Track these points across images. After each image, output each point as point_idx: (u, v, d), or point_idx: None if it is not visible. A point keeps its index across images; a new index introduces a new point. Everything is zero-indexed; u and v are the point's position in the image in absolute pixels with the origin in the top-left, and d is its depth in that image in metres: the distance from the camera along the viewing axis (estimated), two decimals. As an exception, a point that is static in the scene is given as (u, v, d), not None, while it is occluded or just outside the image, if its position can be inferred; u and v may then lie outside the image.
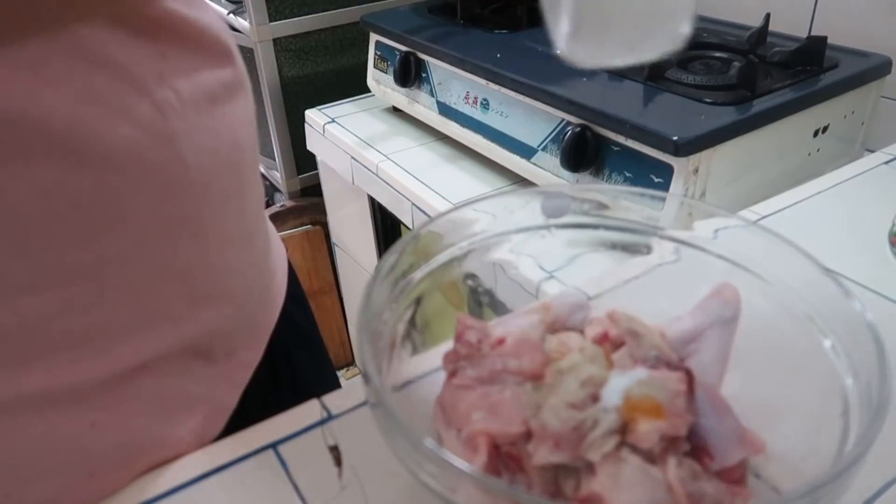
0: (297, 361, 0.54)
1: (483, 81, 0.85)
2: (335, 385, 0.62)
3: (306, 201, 1.49)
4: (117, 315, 0.34)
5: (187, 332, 0.38)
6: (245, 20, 1.35)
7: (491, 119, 0.86)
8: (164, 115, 0.34)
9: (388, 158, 0.98)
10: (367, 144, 1.03)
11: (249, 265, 0.44)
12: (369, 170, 1.00)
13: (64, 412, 0.34)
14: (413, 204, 0.91)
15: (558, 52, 0.30)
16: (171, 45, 0.35)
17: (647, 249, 0.39)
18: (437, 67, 0.93)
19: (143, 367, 0.37)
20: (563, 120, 0.75)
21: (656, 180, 0.66)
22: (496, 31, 0.96)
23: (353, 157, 1.04)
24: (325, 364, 0.62)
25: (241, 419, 0.44)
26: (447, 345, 0.35)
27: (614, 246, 0.40)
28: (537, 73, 0.80)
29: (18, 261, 0.30)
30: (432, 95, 0.96)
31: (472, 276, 0.40)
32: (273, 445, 0.38)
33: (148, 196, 0.34)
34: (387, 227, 1.13)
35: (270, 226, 0.52)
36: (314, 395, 0.42)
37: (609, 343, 0.34)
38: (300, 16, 1.36)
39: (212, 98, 0.38)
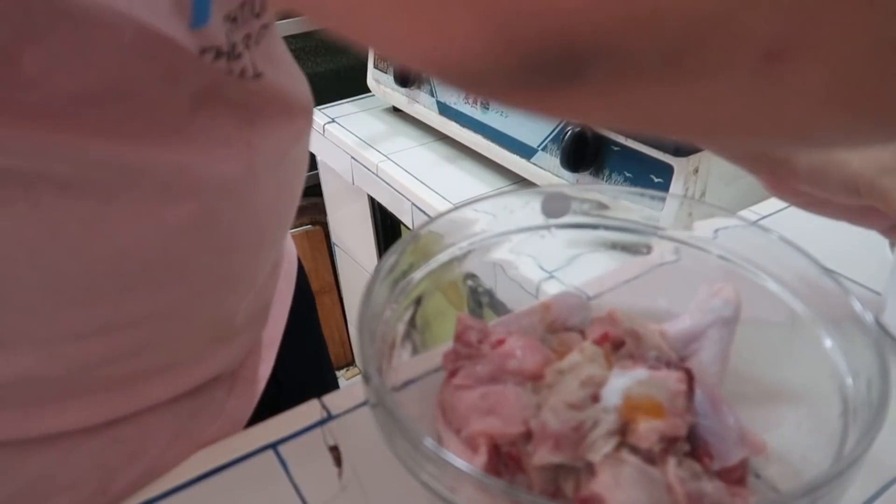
0: (299, 362, 0.54)
1: (483, 81, 0.85)
2: (334, 385, 0.62)
3: (306, 201, 1.49)
4: (155, 361, 0.35)
5: (209, 368, 0.39)
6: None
7: (491, 119, 0.86)
8: (242, 181, 0.34)
9: (388, 158, 0.98)
10: (367, 144, 1.03)
11: (269, 299, 0.45)
12: (369, 170, 1.00)
13: (89, 433, 0.35)
14: (413, 204, 0.91)
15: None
16: (258, 114, 0.34)
17: (647, 249, 0.39)
18: (437, 67, 0.93)
19: (170, 399, 0.37)
20: (563, 120, 0.75)
21: (656, 180, 0.66)
22: (496, 31, 0.96)
23: (353, 157, 1.04)
24: (325, 365, 0.62)
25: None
26: (447, 345, 0.35)
27: (614, 246, 0.40)
28: (537, 73, 0.80)
29: (78, 311, 0.30)
30: (432, 95, 0.96)
31: (472, 276, 0.40)
32: (273, 445, 0.38)
33: (210, 254, 0.34)
34: (387, 227, 1.13)
35: (289, 240, 0.52)
36: (314, 395, 0.42)
37: (609, 343, 0.34)
38: (300, 15, 1.36)
39: (284, 153, 0.38)
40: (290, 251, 0.53)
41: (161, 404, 0.37)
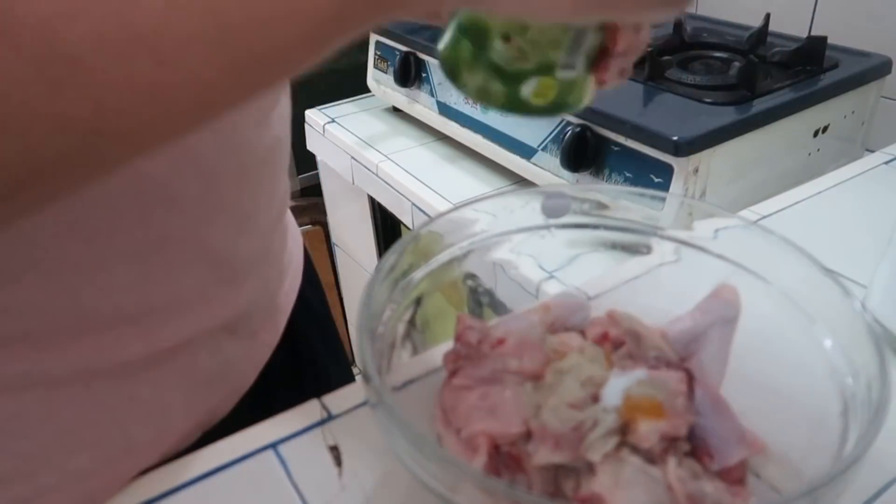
0: (314, 345, 0.55)
1: (483, 81, 0.85)
2: (348, 375, 0.62)
3: (306, 201, 1.49)
4: (158, 296, 0.36)
5: (219, 313, 0.40)
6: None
7: (491, 119, 0.86)
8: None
9: (388, 158, 0.98)
10: (367, 144, 1.03)
11: (273, 250, 0.45)
12: (369, 170, 1.00)
13: (105, 386, 0.35)
14: (413, 204, 0.91)
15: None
16: None
17: (647, 249, 0.39)
18: (438, 67, 0.93)
19: (180, 345, 0.38)
20: (563, 120, 0.75)
21: (656, 180, 0.66)
22: (496, 31, 0.96)
23: (353, 157, 1.04)
24: (339, 352, 0.63)
25: (266, 398, 0.45)
26: (447, 345, 0.35)
27: (614, 246, 0.40)
28: (537, 73, 0.80)
29: (75, 243, 0.31)
30: (432, 95, 0.96)
31: (472, 276, 0.40)
32: (273, 445, 0.38)
33: (193, 181, 0.35)
34: (387, 227, 1.13)
35: (289, 213, 0.54)
36: (329, 381, 0.42)
37: (609, 343, 0.34)
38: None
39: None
40: (294, 228, 0.55)
41: (172, 356, 0.38)
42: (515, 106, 0.32)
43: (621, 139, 0.69)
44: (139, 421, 0.37)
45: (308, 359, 0.53)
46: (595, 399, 0.30)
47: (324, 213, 1.36)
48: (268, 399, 0.45)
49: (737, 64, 0.78)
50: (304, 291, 0.52)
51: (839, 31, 0.85)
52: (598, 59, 0.30)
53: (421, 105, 0.99)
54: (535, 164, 0.80)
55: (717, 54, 0.83)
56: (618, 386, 0.30)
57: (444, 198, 0.88)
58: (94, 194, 0.31)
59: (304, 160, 1.45)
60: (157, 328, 0.36)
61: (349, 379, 0.58)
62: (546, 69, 0.30)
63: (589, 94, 0.31)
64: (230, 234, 0.39)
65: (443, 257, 0.38)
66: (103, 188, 0.31)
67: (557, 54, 0.30)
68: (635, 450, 0.29)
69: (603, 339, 0.34)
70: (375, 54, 1.08)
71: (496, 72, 0.31)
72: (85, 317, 0.33)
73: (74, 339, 0.33)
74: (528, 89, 0.31)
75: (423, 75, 0.97)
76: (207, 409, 0.42)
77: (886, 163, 0.67)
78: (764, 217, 0.59)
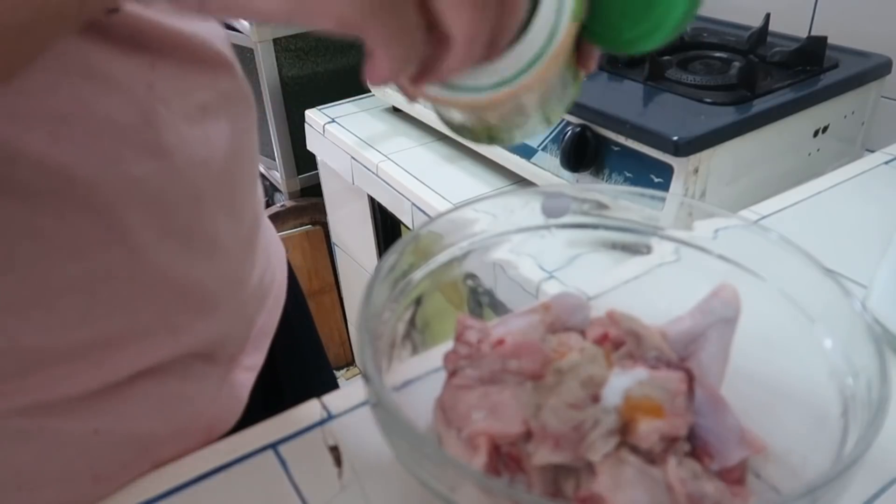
0: (297, 362, 0.54)
1: (483, 81, 0.85)
2: (333, 385, 0.62)
3: (306, 201, 1.49)
4: (110, 328, 0.34)
5: (186, 341, 0.39)
6: (245, 20, 1.35)
7: (491, 119, 0.86)
8: (153, 127, 0.33)
9: (388, 158, 0.98)
10: (367, 144, 1.03)
11: (248, 272, 0.44)
12: (369, 170, 1.00)
13: (65, 421, 0.34)
14: (413, 204, 0.91)
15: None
16: (160, 56, 0.34)
17: (647, 249, 0.39)
18: (437, 67, 0.93)
19: (142, 374, 0.37)
20: (563, 120, 0.75)
21: (656, 180, 0.66)
22: (496, 31, 0.96)
23: (353, 157, 1.04)
24: (323, 365, 0.62)
25: (242, 420, 0.44)
26: (447, 345, 0.35)
27: (614, 246, 0.40)
28: (537, 73, 0.80)
29: (3, 283, 0.30)
30: (432, 95, 0.96)
31: (472, 276, 0.40)
32: (273, 445, 0.38)
33: (136, 209, 0.33)
34: (387, 227, 1.13)
35: (271, 229, 0.51)
36: (313, 396, 0.42)
37: (609, 343, 0.34)
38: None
39: (204, 109, 0.37)
40: (277, 245, 0.52)
41: (134, 384, 0.37)
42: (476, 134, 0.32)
43: (621, 139, 0.69)
44: (108, 451, 0.36)
45: (289, 377, 0.52)
46: (595, 399, 0.30)
47: (324, 213, 1.36)
48: (245, 421, 0.43)
49: (737, 64, 0.78)
50: (288, 310, 0.51)
51: (839, 31, 0.85)
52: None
53: (421, 105, 0.99)
54: (534, 164, 0.80)
55: (717, 54, 0.83)
56: (618, 386, 0.30)
57: (444, 198, 0.88)
58: (18, 230, 0.30)
59: (304, 160, 1.45)
60: (109, 358, 0.35)
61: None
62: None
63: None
64: (189, 260, 0.37)
65: (443, 257, 0.38)
66: (29, 224, 0.30)
67: None
68: (635, 450, 0.29)
69: (603, 339, 0.34)
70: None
71: None
72: (26, 356, 0.32)
73: (20, 377, 0.32)
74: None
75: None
76: (195, 433, 0.40)
77: (886, 163, 0.67)
78: (764, 217, 0.59)
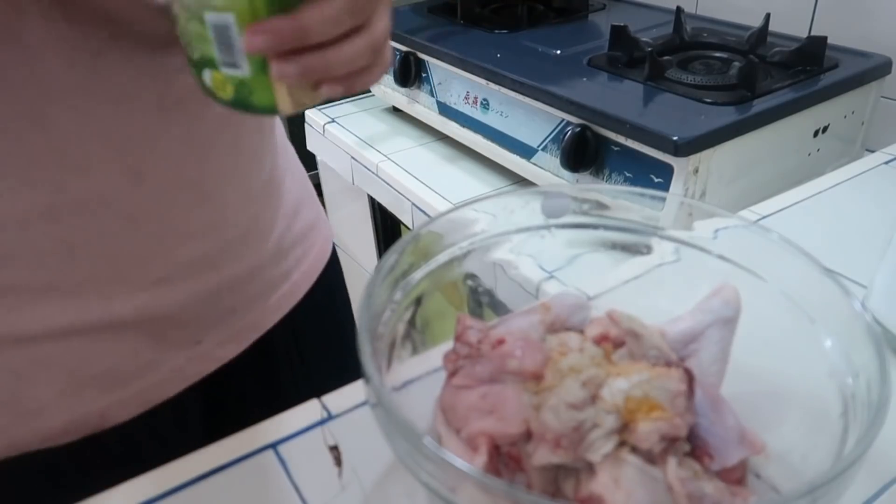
0: (321, 359, 0.55)
1: (483, 81, 0.85)
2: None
3: (306, 201, 1.49)
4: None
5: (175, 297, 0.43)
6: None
7: (491, 119, 0.86)
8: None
9: (388, 158, 0.98)
10: (367, 144, 1.03)
11: (269, 224, 0.49)
12: (369, 170, 1.00)
13: (56, 344, 0.39)
14: (413, 204, 0.91)
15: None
16: None
17: (647, 249, 0.39)
18: (437, 67, 0.93)
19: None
20: (563, 120, 0.75)
21: (656, 180, 0.66)
22: (496, 31, 0.96)
23: (353, 157, 1.04)
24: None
25: (242, 420, 0.44)
26: (447, 345, 0.35)
27: (614, 246, 0.40)
28: (537, 72, 0.80)
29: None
30: (432, 95, 0.96)
31: (472, 276, 0.40)
32: (273, 445, 0.38)
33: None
34: (387, 227, 1.13)
35: (316, 209, 0.58)
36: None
37: (609, 343, 0.34)
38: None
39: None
40: (324, 222, 0.58)
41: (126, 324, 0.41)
42: (210, 94, 0.33)
43: (621, 139, 0.69)
44: (93, 372, 0.41)
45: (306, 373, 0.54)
46: (595, 399, 0.30)
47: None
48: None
49: (737, 64, 0.78)
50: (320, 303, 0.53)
51: (839, 31, 0.85)
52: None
53: (421, 105, 0.99)
54: (534, 164, 0.80)
55: (717, 54, 0.83)
56: (618, 386, 0.30)
57: (444, 198, 0.88)
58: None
59: (304, 160, 1.45)
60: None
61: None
62: (209, 63, 0.31)
63: (283, 99, 0.31)
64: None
65: (443, 257, 0.38)
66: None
67: (209, 49, 0.30)
68: (635, 450, 0.29)
69: (603, 339, 0.34)
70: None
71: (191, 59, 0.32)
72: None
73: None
74: (208, 80, 0.32)
75: (423, 75, 0.97)
76: (172, 370, 0.44)
77: (886, 163, 0.67)
78: (764, 217, 0.59)
